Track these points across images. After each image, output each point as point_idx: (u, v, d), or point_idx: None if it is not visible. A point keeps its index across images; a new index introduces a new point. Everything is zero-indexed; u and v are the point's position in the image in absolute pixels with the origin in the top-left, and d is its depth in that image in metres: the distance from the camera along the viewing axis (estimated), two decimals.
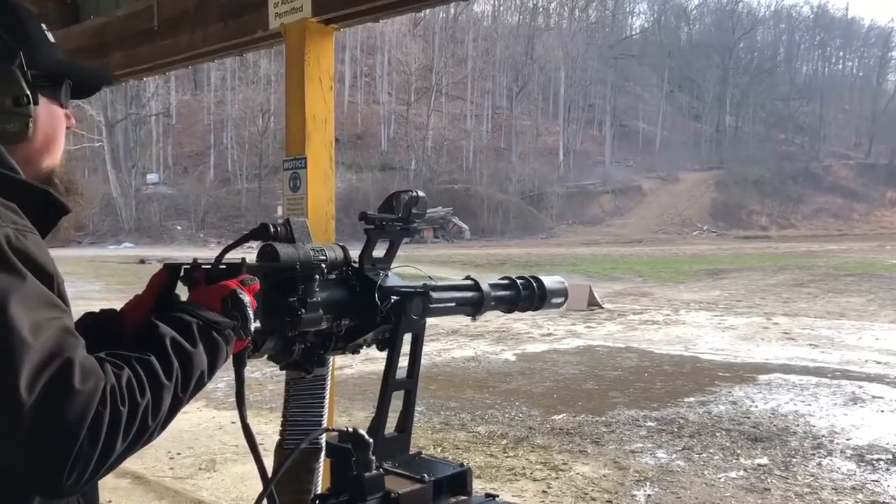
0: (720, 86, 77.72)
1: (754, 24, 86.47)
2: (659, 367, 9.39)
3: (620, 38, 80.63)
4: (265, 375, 7.97)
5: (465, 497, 1.43)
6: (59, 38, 1.16)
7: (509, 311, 1.70)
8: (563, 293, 1.74)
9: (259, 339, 1.20)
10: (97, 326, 1.19)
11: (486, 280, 1.64)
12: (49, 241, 1.06)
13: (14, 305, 0.87)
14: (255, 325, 1.13)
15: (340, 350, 1.41)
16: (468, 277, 1.60)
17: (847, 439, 6.20)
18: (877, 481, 5.19)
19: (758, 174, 64.20)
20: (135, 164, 51.40)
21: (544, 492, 4.90)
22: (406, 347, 1.44)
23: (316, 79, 3.48)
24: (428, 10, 55.27)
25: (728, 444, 6.04)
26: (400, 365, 1.43)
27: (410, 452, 1.47)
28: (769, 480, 5.17)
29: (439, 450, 5.78)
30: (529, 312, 1.74)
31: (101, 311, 1.25)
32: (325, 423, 1.40)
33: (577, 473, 5.27)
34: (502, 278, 1.69)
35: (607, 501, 4.76)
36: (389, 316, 1.37)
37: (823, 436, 6.29)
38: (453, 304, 1.55)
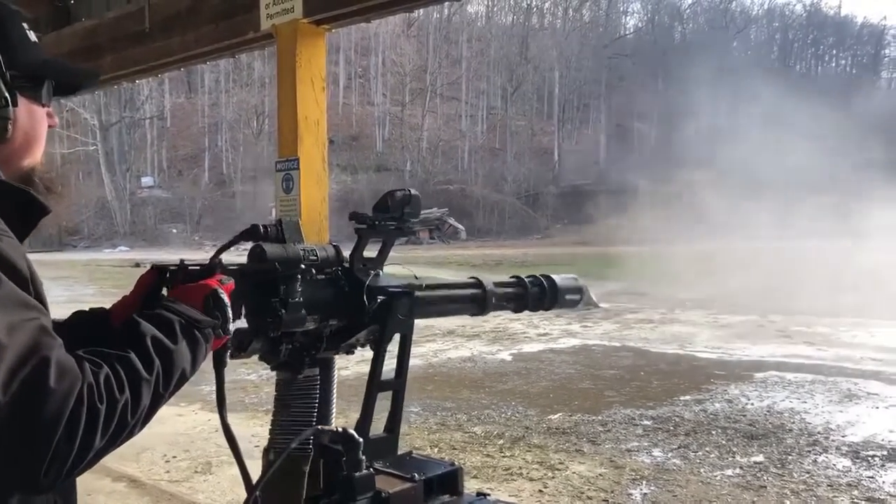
0: (715, 85, 77.83)
1: (748, 23, 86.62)
2: (655, 365, 9.40)
3: (614, 37, 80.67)
4: (261, 377, 7.95)
5: (456, 496, 1.42)
6: (50, 42, 1.17)
7: (518, 310, 1.67)
8: (577, 290, 1.72)
9: (245, 340, 1.20)
10: (86, 324, 1.20)
11: (492, 279, 1.62)
12: (31, 241, 1.06)
13: None
14: (238, 324, 1.13)
15: (333, 351, 1.41)
16: (472, 277, 1.60)
17: (842, 436, 6.21)
18: (872, 478, 5.20)
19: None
20: (129, 167, 51.31)
21: (541, 491, 4.90)
22: (395, 347, 1.44)
23: (308, 80, 3.48)
24: (421, 11, 55.25)
25: (724, 441, 6.05)
26: (392, 366, 1.42)
27: (401, 452, 1.46)
28: (765, 478, 5.18)
29: (436, 450, 5.77)
30: (541, 312, 1.71)
31: (91, 309, 1.27)
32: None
33: (574, 473, 5.27)
34: (511, 277, 1.68)
35: (603, 500, 4.76)
36: (377, 316, 1.37)
37: (819, 433, 6.30)
38: (453, 304, 1.54)
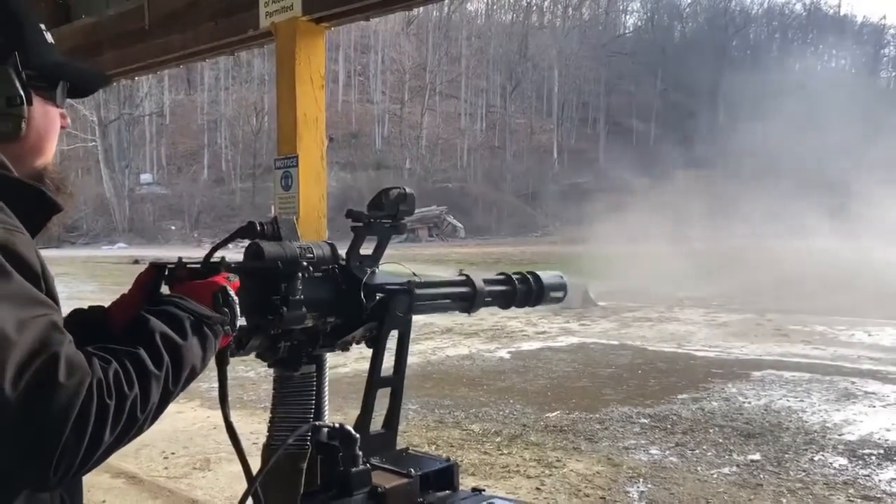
0: (714, 84, 77.83)
1: (747, 22, 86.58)
2: (653, 363, 9.42)
3: (614, 36, 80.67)
4: (259, 375, 7.96)
5: (451, 491, 1.44)
6: None
7: (506, 306, 1.70)
8: (561, 287, 1.75)
9: (244, 338, 1.21)
10: (83, 322, 1.20)
11: (480, 276, 1.64)
12: (40, 239, 1.07)
13: None
14: (240, 322, 1.14)
15: (329, 348, 1.42)
16: (461, 273, 1.61)
17: (839, 435, 6.23)
18: (868, 476, 5.22)
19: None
20: (128, 164, 51.26)
21: (538, 489, 4.92)
22: (393, 344, 1.45)
23: (307, 77, 3.49)
24: (420, 9, 55.17)
25: (721, 440, 6.07)
26: (390, 363, 1.44)
27: (398, 448, 1.48)
28: (761, 476, 5.20)
29: (433, 447, 5.79)
30: (527, 308, 1.74)
31: (90, 307, 1.27)
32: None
33: (571, 470, 5.29)
34: (498, 274, 1.70)
35: (601, 498, 4.78)
36: (375, 313, 1.38)
37: (816, 431, 6.32)
38: (444, 301, 1.55)
